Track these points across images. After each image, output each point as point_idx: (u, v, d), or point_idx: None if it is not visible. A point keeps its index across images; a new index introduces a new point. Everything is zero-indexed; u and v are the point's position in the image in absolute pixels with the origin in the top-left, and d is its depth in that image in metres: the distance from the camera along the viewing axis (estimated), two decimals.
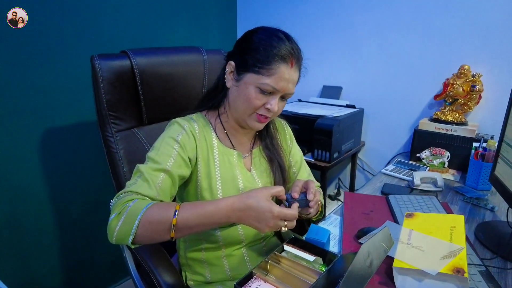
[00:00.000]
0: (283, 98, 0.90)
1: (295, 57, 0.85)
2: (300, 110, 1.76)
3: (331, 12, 1.91)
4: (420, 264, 0.73)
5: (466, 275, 0.68)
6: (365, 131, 1.93)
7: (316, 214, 0.96)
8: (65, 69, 1.45)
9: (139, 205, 0.75)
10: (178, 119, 0.93)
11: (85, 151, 1.59)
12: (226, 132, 0.98)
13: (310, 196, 0.81)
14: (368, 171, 2.00)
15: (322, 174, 1.64)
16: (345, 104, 1.86)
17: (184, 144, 0.87)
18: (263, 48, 0.83)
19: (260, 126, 0.93)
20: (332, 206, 1.93)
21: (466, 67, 1.52)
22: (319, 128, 1.57)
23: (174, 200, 0.95)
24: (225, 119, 0.97)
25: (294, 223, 0.77)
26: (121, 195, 0.79)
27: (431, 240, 0.80)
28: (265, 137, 1.04)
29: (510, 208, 0.99)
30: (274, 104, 0.86)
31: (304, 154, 1.69)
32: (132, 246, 0.76)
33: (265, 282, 0.72)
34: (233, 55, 0.92)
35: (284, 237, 1.09)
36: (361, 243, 0.87)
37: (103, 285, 1.80)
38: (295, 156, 1.11)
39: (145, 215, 0.73)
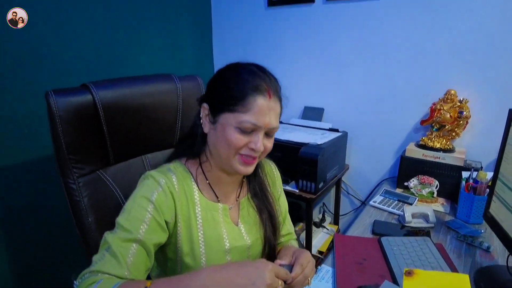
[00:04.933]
0: (268, 134, 0.80)
1: (271, 87, 0.76)
2: (281, 135, 1.66)
3: (313, 32, 1.83)
4: None
5: None
6: (348, 153, 1.85)
7: None
8: (20, 106, 1.29)
9: None
10: (153, 172, 0.80)
11: (46, 194, 1.42)
12: (208, 183, 0.86)
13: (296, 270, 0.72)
14: (353, 195, 1.93)
15: (308, 205, 1.54)
16: (328, 128, 1.78)
17: (159, 205, 0.75)
18: (234, 84, 0.74)
19: (248, 170, 0.81)
20: (317, 234, 1.84)
21: (452, 92, 1.47)
22: (304, 157, 1.47)
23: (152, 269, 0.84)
24: (208, 168, 0.86)
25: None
26: (86, 275, 0.67)
27: None
28: (253, 183, 0.93)
29: (510, 255, 0.93)
30: (259, 142, 0.76)
31: (288, 183, 1.60)
32: None
33: None
34: (205, 96, 0.82)
35: None
36: None
37: None
38: (282, 206, 1.01)
39: None
